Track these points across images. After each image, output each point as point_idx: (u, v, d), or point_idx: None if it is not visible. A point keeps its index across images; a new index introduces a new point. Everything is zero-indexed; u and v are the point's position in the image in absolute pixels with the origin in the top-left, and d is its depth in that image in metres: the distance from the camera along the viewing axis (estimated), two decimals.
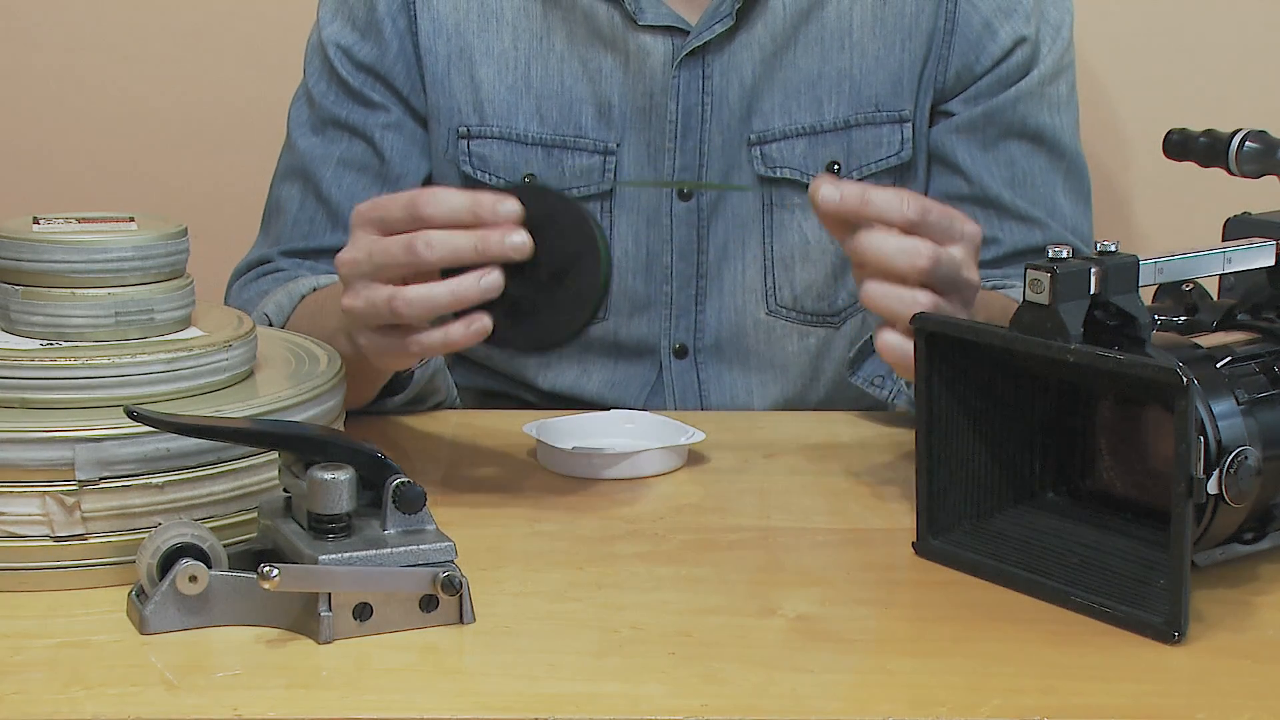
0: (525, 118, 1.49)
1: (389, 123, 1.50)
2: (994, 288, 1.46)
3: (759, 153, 1.48)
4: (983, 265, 1.49)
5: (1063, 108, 1.50)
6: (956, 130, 1.49)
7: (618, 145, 1.48)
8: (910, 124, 1.49)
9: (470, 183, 1.51)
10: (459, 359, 1.56)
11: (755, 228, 1.50)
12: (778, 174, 1.49)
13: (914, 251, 1.13)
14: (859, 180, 1.48)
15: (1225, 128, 1.23)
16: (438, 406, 1.45)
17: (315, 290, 1.41)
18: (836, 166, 1.48)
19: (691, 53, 1.46)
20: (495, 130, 1.49)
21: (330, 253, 1.50)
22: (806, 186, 1.48)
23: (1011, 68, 1.48)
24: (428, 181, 1.53)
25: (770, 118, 1.48)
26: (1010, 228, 1.49)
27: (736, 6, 1.45)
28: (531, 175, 1.49)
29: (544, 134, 1.49)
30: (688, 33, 1.46)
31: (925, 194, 1.52)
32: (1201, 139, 1.23)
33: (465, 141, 1.50)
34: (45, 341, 1.11)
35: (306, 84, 1.54)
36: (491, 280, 1.13)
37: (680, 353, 1.53)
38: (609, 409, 1.42)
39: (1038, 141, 1.49)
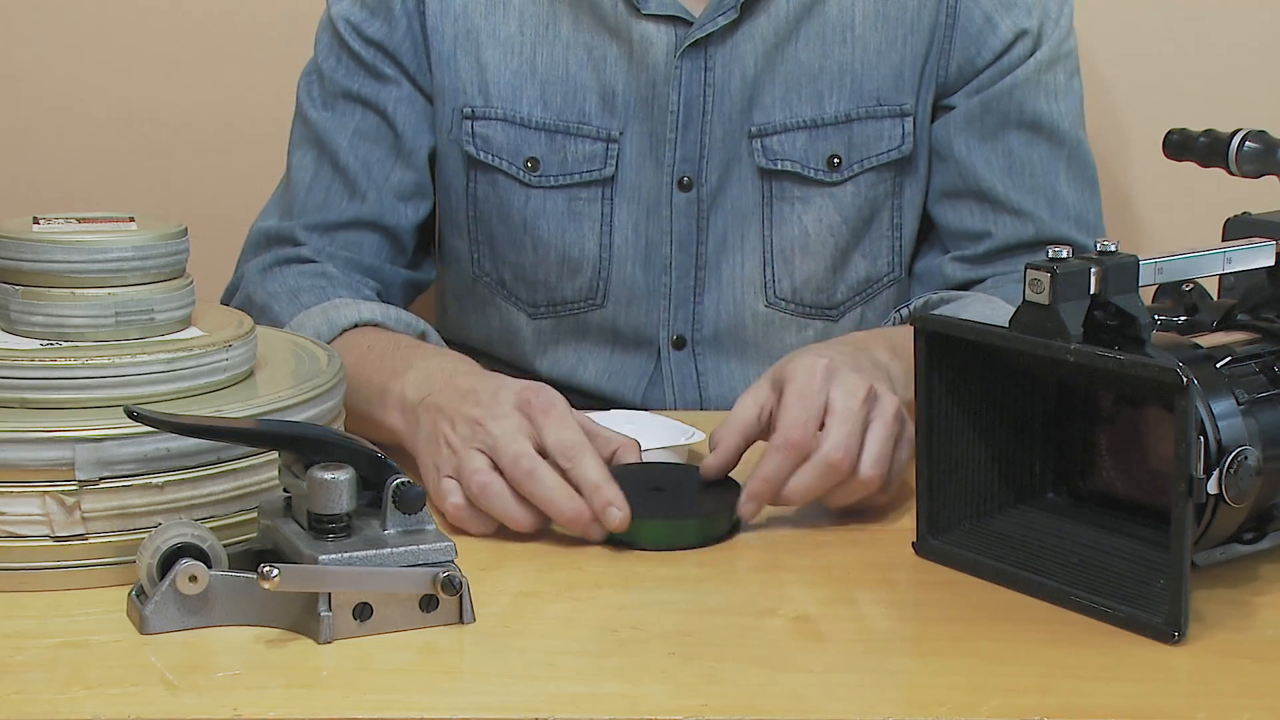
0: (529, 102, 1.49)
1: (400, 96, 1.51)
2: (939, 301, 1.46)
3: (759, 145, 1.48)
4: (973, 260, 1.50)
5: (1060, 95, 1.50)
6: (955, 122, 1.49)
7: (620, 133, 1.48)
8: (911, 118, 1.49)
9: (473, 163, 1.51)
10: (454, 342, 1.56)
11: (755, 220, 1.50)
12: (778, 166, 1.49)
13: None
14: (860, 171, 1.48)
15: (1225, 128, 1.23)
16: None
17: (358, 326, 1.39)
18: (837, 160, 1.48)
19: (694, 43, 1.46)
20: (499, 112, 1.49)
21: (348, 226, 1.49)
22: (807, 179, 1.49)
23: (1012, 60, 1.48)
24: (433, 156, 1.53)
25: (771, 110, 1.48)
26: (1003, 221, 1.49)
27: (741, 0, 1.45)
28: (534, 158, 1.49)
29: (547, 119, 1.49)
30: (691, 23, 1.46)
31: (926, 189, 1.52)
32: (1201, 139, 1.23)
33: (469, 122, 1.50)
34: (45, 341, 1.11)
35: (317, 60, 1.53)
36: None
37: (679, 344, 1.53)
38: (606, 399, 1.42)
39: (1036, 130, 1.49)
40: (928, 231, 1.54)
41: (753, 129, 1.48)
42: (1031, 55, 1.48)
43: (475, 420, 1.15)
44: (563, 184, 1.49)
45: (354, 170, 1.50)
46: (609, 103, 1.48)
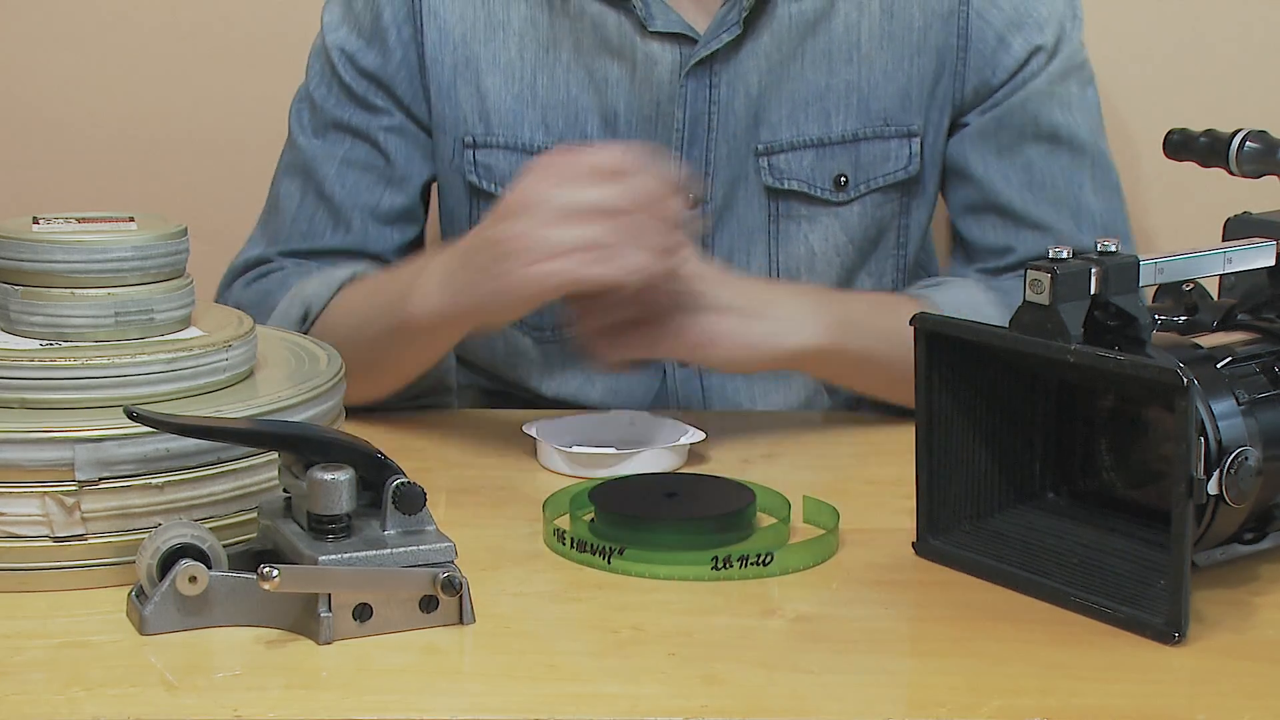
0: (531, 127, 1.48)
1: (391, 125, 1.50)
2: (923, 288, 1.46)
3: (766, 163, 1.48)
4: (996, 273, 1.49)
5: (1075, 106, 1.49)
6: (970, 138, 1.49)
7: None
8: (919, 139, 1.48)
9: (476, 192, 1.51)
10: (460, 360, 1.56)
11: (761, 238, 1.50)
12: (785, 185, 1.48)
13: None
14: (867, 191, 1.48)
15: (1225, 128, 1.23)
16: (441, 406, 1.45)
17: (355, 276, 1.39)
18: (844, 179, 1.48)
19: (699, 61, 1.46)
20: (501, 140, 1.49)
21: (332, 254, 1.50)
22: (814, 199, 1.49)
23: (1026, 76, 1.48)
24: (429, 186, 1.53)
25: (778, 129, 1.47)
26: (1025, 236, 1.48)
27: (744, 15, 1.44)
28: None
29: (549, 143, 1.48)
30: (696, 41, 1.46)
31: (933, 209, 1.52)
32: (1201, 139, 1.23)
33: (471, 151, 1.50)
34: (45, 341, 1.11)
35: (308, 87, 1.53)
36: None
37: (684, 361, 1.52)
38: None
39: (1055, 141, 1.48)
40: (956, 241, 1.54)
41: (759, 146, 1.48)
42: (1044, 69, 1.48)
43: (552, 193, 1.21)
44: None
45: (339, 198, 1.50)
46: (611, 124, 1.48)
